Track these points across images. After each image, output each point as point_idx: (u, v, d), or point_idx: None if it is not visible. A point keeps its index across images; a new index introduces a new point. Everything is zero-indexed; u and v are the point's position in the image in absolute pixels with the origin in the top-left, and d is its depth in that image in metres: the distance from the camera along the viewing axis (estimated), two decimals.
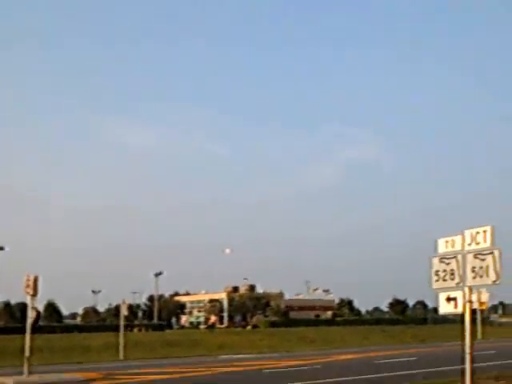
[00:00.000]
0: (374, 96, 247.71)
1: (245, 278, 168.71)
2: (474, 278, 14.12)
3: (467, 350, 14.18)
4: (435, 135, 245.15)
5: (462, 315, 14.59)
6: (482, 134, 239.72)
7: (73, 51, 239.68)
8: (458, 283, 14.58)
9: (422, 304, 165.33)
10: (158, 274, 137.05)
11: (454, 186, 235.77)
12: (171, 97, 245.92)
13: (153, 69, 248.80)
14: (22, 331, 33.48)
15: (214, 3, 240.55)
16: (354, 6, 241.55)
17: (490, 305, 70.80)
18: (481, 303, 49.16)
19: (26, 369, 27.90)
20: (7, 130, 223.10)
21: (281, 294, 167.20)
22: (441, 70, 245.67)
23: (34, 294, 29.29)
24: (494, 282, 13.74)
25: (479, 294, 46.06)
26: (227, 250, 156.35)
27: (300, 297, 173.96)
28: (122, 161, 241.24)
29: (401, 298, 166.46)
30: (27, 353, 28.42)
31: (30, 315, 29.94)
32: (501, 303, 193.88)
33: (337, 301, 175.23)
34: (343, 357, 40.08)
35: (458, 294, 14.60)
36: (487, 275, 13.79)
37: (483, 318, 66.20)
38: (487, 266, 13.82)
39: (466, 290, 14.48)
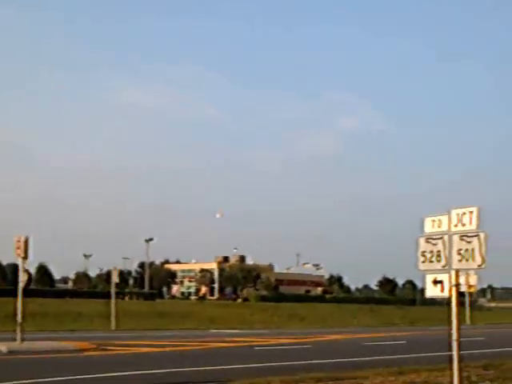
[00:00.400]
0: (374, 65, 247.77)
1: (235, 248, 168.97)
2: (460, 260, 13.75)
3: (454, 337, 14.09)
4: (435, 107, 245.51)
5: (449, 299, 14.29)
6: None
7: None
8: (444, 265, 14.17)
9: (411, 284, 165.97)
10: (148, 240, 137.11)
11: (453, 161, 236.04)
12: (170, 58, 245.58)
13: (153, 30, 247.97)
14: (14, 294, 33.37)
15: None
16: None
17: (478, 288, 71.08)
18: (469, 286, 49.57)
19: (18, 335, 27.94)
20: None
21: (271, 267, 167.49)
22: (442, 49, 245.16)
23: (25, 257, 28.87)
24: (480, 266, 13.36)
25: (467, 276, 46.45)
26: (218, 214, 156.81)
27: (290, 270, 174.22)
28: (116, 120, 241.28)
29: (390, 276, 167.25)
30: (19, 319, 28.35)
31: (22, 279, 29.58)
32: (489, 287, 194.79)
33: (327, 276, 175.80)
34: (333, 337, 40.37)
35: (444, 277, 14.24)
36: (473, 259, 13.47)
37: (472, 301, 66.56)
38: (473, 249, 13.51)
39: (453, 272, 14.10)
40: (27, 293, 30.74)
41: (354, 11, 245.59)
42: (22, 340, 27.80)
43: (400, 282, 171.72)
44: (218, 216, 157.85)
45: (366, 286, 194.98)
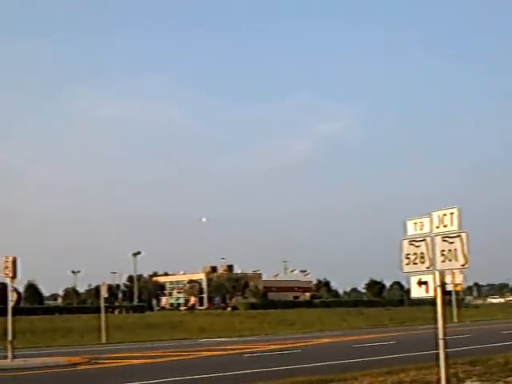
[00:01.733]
0: (349, 68, 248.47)
1: (222, 258, 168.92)
2: (444, 261, 13.98)
3: (440, 335, 14.28)
4: (410, 111, 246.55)
5: (434, 299, 14.46)
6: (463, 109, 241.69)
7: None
8: (428, 267, 14.38)
9: (398, 285, 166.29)
10: (135, 254, 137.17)
11: (431, 162, 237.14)
12: (141, 70, 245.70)
13: (123, 41, 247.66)
14: (3, 313, 33.52)
15: None
16: None
17: (464, 286, 71.59)
18: (455, 285, 50.07)
19: (9, 353, 28.08)
20: None
21: (259, 275, 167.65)
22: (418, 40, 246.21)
23: (14, 276, 29.05)
24: (463, 265, 13.62)
25: (453, 275, 46.89)
26: (204, 219, 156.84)
27: (278, 277, 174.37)
28: (94, 133, 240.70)
29: (377, 278, 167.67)
30: (10, 337, 28.54)
31: (11, 298, 29.81)
32: (475, 284, 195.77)
33: (314, 282, 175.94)
34: (322, 341, 40.64)
35: (428, 278, 14.44)
36: (456, 259, 13.69)
37: (458, 299, 66.99)
38: (455, 250, 13.73)
39: (437, 273, 14.30)
40: (17, 311, 30.99)
41: (330, 11, 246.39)
42: (14, 357, 27.94)
43: (387, 283, 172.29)
44: (203, 220, 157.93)
45: (354, 289, 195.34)
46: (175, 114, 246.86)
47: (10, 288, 30.18)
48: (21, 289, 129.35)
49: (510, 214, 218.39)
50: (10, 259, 28.83)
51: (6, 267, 28.85)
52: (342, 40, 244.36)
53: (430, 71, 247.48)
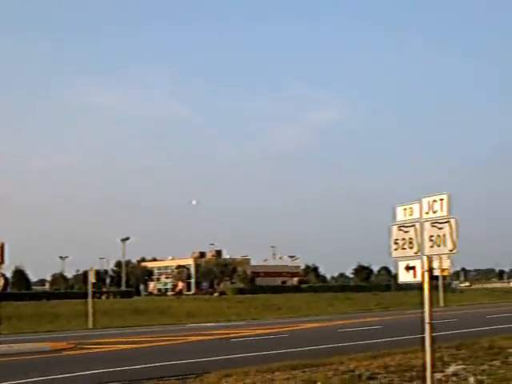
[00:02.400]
0: (342, 57, 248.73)
1: (211, 244, 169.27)
2: (432, 247, 13.95)
3: (426, 319, 14.32)
4: (404, 99, 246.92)
5: (421, 284, 14.43)
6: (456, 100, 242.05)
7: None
8: (416, 252, 14.36)
9: (386, 270, 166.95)
10: (124, 240, 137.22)
11: (420, 150, 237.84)
12: (136, 59, 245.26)
13: (123, 32, 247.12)
14: None
15: None
16: None
17: (452, 271, 71.88)
18: (442, 270, 50.26)
19: None
20: None
21: (247, 260, 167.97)
22: (410, 30, 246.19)
23: (1, 262, 28.97)
24: (451, 251, 13.60)
25: (440, 260, 47.05)
26: (193, 201, 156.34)
27: (266, 263, 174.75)
28: (86, 121, 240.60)
29: (365, 264, 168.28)
30: None
31: None
32: (463, 269, 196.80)
33: (302, 267, 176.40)
34: (309, 325, 40.72)
35: (416, 263, 14.42)
36: (444, 244, 13.67)
37: (445, 284, 67.27)
38: (444, 235, 13.71)
39: (425, 258, 14.27)
40: (3, 296, 30.89)
41: (332, 4, 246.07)
42: None
43: (375, 268, 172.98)
44: (193, 203, 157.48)
45: (342, 275, 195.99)
46: (169, 102, 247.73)
47: None
48: (8, 274, 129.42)
49: (498, 203, 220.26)
50: None
51: None
52: (340, 32, 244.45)
53: (427, 62, 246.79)
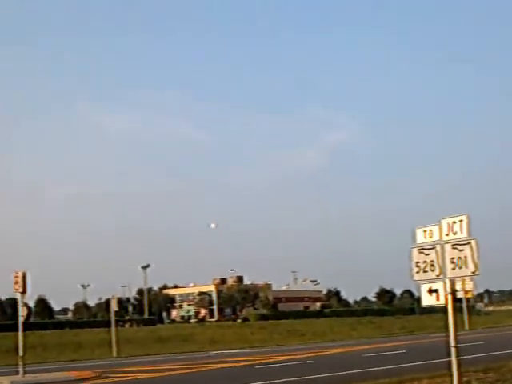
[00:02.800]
0: (357, 80, 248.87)
1: (232, 269, 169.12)
2: (454, 269, 13.98)
3: (452, 343, 14.19)
4: (419, 122, 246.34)
5: (445, 307, 14.45)
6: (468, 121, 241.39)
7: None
8: (438, 275, 14.38)
9: (409, 293, 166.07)
10: (145, 267, 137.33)
11: (438, 173, 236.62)
12: (149, 83, 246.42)
13: (131, 56, 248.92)
14: (14, 328, 33.65)
15: None
16: None
17: (475, 293, 71.32)
18: (466, 292, 49.80)
19: (20, 368, 28.04)
20: None
21: (268, 286, 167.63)
22: (424, 55, 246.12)
23: (24, 291, 29.06)
24: (473, 273, 13.63)
25: (463, 282, 46.61)
26: (212, 225, 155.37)
27: (288, 288, 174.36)
28: (105, 147, 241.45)
29: (387, 287, 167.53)
30: (21, 352, 28.49)
31: (21, 313, 29.77)
32: (486, 291, 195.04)
33: (324, 291, 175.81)
34: (334, 350, 40.50)
35: (439, 286, 14.42)
36: (466, 266, 13.67)
37: (469, 307, 66.75)
38: (465, 257, 13.71)
39: (447, 281, 14.30)
40: (27, 326, 30.96)
41: (339, 23, 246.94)
42: (25, 373, 27.90)
43: (398, 291, 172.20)
44: (212, 226, 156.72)
45: (365, 299, 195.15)
46: (184, 126, 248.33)
47: (20, 303, 30.16)
48: (31, 304, 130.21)
49: None
50: (20, 274, 28.85)
51: (16, 282, 28.87)
52: (347, 52, 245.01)
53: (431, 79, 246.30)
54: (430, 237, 14.68)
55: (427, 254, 14.68)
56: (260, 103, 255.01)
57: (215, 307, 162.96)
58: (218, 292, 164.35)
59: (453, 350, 14.01)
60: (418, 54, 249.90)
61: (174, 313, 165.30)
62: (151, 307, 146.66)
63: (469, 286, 49.00)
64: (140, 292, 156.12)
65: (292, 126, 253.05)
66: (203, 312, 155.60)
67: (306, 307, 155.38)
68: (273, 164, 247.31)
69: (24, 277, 28.82)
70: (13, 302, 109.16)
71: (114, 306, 47.09)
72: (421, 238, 14.95)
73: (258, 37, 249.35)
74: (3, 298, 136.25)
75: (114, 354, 43.83)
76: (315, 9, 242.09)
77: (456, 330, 14.07)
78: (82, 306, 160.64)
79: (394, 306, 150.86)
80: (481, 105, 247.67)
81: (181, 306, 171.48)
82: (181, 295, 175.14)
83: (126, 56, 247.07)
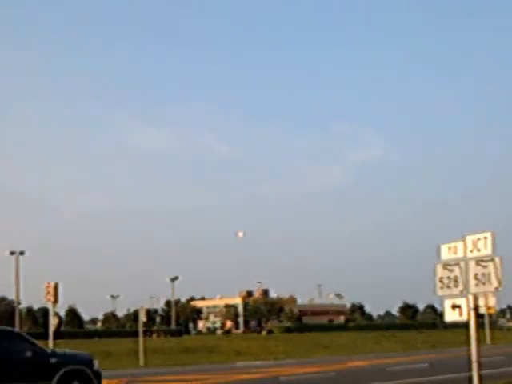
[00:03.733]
0: (384, 96, 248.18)
1: (258, 282, 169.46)
2: (477, 285, 14.33)
3: (474, 357, 14.52)
4: (444, 136, 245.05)
5: (468, 322, 14.79)
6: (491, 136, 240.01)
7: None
8: (461, 290, 14.71)
9: (431, 308, 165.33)
10: (174, 279, 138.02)
11: (464, 186, 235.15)
12: (179, 98, 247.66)
13: (158, 69, 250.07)
14: (45, 337, 34.48)
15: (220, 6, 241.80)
16: (365, 7, 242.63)
17: (497, 309, 71.32)
18: (488, 308, 50.17)
19: None
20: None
21: (293, 299, 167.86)
22: (450, 71, 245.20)
23: (55, 301, 29.82)
24: (496, 288, 14.14)
25: (486, 298, 47.05)
26: (240, 233, 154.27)
27: (312, 301, 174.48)
28: (133, 162, 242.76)
29: (411, 302, 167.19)
30: None
31: (53, 322, 30.50)
32: (509, 307, 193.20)
33: (348, 305, 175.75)
34: (357, 363, 40.91)
35: (462, 302, 14.75)
36: (489, 282, 14.04)
37: (491, 322, 66.81)
38: (489, 274, 14.02)
39: (470, 297, 14.65)
40: (57, 335, 31.81)
41: (362, 39, 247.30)
42: None
43: (421, 306, 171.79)
44: (240, 235, 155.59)
45: (388, 313, 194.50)
46: (212, 141, 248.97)
47: (51, 313, 30.87)
48: (62, 313, 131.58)
49: None
50: (52, 285, 29.61)
51: (48, 292, 29.61)
52: (372, 67, 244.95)
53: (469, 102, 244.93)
54: (455, 253, 15.01)
55: (451, 270, 15.03)
56: (285, 118, 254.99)
57: (241, 319, 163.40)
58: (244, 304, 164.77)
59: (475, 365, 14.28)
60: (449, 68, 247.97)
61: (201, 324, 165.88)
62: (178, 318, 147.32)
63: (491, 301, 49.38)
64: (168, 303, 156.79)
65: (317, 141, 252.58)
66: (229, 324, 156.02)
67: (331, 321, 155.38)
68: (298, 178, 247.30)
69: (56, 287, 29.56)
70: (44, 312, 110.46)
71: (142, 317, 47.77)
72: (445, 254, 15.28)
73: (284, 50, 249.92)
74: (35, 307, 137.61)
75: (142, 363, 44.52)
76: (342, 25, 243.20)
77: (478, 345, 14.33)
78: (110, 317, 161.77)
79: (417, 321, 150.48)
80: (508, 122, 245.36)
81: (207, 318, 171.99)
82: (208, 307, 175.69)
83: (150, 70, 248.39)
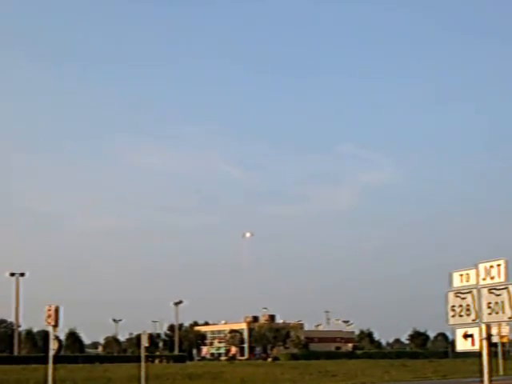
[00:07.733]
0: (389, 119, 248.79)
1: (264, 308, 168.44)
2: (490, 314, 13.78)
3: None
4: (448, 161, 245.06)
5: (480, 351, 14.21)
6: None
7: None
8: (474, 319, 14.20)
9: (443, 336, 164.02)
10: (177, 303, 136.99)
11: (473, 213, 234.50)
12: (185, 119, 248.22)
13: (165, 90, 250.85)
14: (45, 361, 33.60)
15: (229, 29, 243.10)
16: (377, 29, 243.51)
17: (511, 338, 70.29)
18: (501, 336, 49.14)
19: None
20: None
21: (300, 325, 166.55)
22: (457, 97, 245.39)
23: (56, 325, 29.21)
24: (510, 318, 13.49)
25: (499, 327, 46.02)
26: (248, 234, 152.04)
27: (320, 327, 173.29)
28: (136, 182, 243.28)
29: (421, 329, 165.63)
30: None
31: (52, 347, 29.74)
32: None
33: (357, 332, 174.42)
34: None
35: (474, 331, 14.21)
36: (503, 311, 13.49)
37: (504, 351, 65.59)
38: (502, 302, 13.52)
39: (483, 326, 14.08)
40: (57, 359, 30.93)
41: (369, 63, 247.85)
42: None
43: (431, 334, 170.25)
44: (247, 235, 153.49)
45: (397, 340, 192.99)
46: (217, 162, 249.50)
47: (51, 336, 30.19)
48: (62, 337, 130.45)
49: None
50: (53, 308, 29.03)
51: (49, 316, 29.00)
52: (380, 91, 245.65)
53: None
54: (467, 281, 14.60)
55: (463, 298, 14.60)
56: (294, 140, 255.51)
57: (246, 345, 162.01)
58: (250, 330, 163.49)
59: None
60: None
61: (205, 350, 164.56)
62: (182, 344, 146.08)
63: (505, 330, 48.45)
64: (171, 328, 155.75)
65: (324, 164, 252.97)
66: (234, 350, 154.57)
67: (338, 348, 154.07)
68: (305, 201, 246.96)
69: (57, 311, 28.96)
70: (44, 334, 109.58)
71: (144, 342, 46.83)
72: (457, 282, 14.86)
73: (292, 74, 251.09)
74: (35, 329, 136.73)
75: None
76: (353, 51, 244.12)
77: (490, 375, 13.81)
78: (112, 341, 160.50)
79: (428, 349, 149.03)
80: None
81: (211, 344, 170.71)
82: (212, 332, 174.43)
83: (161, 92, 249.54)
